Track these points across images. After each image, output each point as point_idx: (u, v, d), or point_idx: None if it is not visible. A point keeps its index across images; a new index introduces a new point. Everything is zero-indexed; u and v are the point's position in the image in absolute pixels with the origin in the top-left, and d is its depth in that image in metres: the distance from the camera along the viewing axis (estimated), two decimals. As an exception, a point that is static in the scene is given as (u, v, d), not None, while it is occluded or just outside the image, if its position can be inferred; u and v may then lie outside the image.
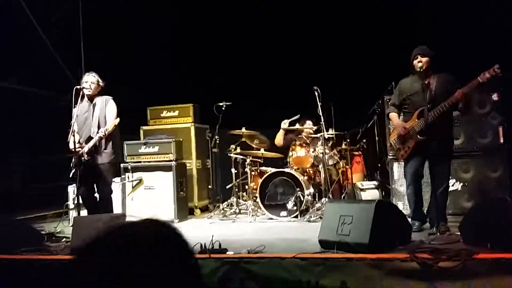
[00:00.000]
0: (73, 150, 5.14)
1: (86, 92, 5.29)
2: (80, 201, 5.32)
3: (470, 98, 4.63)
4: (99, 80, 5.42)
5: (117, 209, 6.20)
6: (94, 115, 5.33)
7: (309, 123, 7.15)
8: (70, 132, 5.15)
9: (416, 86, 4.86)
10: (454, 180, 5.63)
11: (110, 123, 5.18)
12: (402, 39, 6.84)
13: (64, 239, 5.24)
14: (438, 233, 4.39)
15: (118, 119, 5.23)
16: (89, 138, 5.26)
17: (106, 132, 5.13)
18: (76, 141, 5.15)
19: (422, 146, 4.74)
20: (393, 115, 5.10)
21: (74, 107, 5.24)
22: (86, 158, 5.19)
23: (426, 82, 4.71)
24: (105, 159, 5.35)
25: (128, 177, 6.70)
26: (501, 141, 5.53)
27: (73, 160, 5.20)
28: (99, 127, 5.28)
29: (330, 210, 4.37)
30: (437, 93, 4.65)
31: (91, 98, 5.40)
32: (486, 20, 6.61)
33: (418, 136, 4.72)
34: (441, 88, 4.67)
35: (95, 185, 5.40)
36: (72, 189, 6.45)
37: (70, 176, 5.24)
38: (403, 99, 5.00)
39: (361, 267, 3.57)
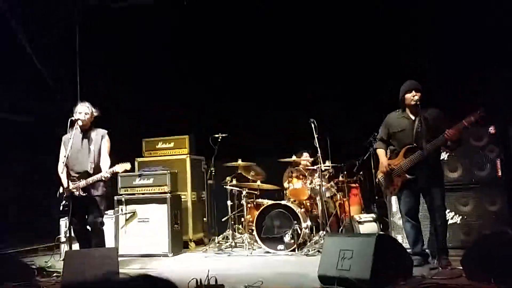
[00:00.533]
0: (66, 184, 5.08)
1: (79, 123, 5.24)
2: (72, 233, 5.19)
3: (457, 138, 4.59)
4: (93, 110, 5.39)
5: (110, 242, 6.08)
6: (90, 148, 5.30)
7: (306, 155, 7.13)
8: (64, 164, 5.06)
9: (403, 122, 4.87)
10: (453, 213, 5.58)
11: (121, 167, 5.19)
12: (399, 69, 6.90)
13: (55, 274, 5.09)
14: (440, 268, 4.31)
15: (129, 164, 5.26)
16: (85, 173, 5.20)
17: (111, 174, 5.15)
18: (65, 170, 5.08)
19: (410, 183, 4.74)
20: (381, 152, 5.06)
21: (69, 139, 5.17)
22: (81, 194, 5.13)
23: (415, 118, 4.72)
24: (97, 191, 5.28)
25: (121, 210, 6.58)
26: (499, 174, 5.49)
27: (64, 193, 5.13)
28: (94, 161, 5.26)
29: (329, 244, 4.27)
30: (428, 129, 4.62)
31: (84, 129, 5.36)
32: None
33: (407, 175, 4.70)
34: (433, 124, 4.67)
35: (86, 217, 5.30)
36: (64, 222, 6.33)
37: (61, 209, 5.14)
38: (390, 134, 4.99)
39: (363, 303, 3.46)
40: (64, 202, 5.09)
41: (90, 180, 5.15)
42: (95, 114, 5.40)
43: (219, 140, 7.05)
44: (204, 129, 7.52)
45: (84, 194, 5.16)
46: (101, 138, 5.40)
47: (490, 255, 3.84)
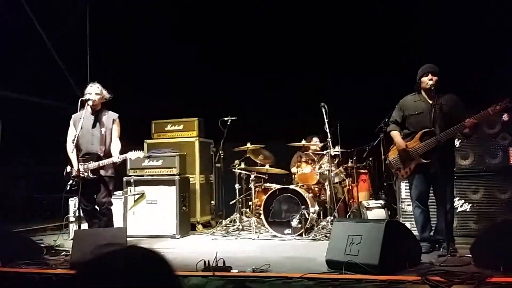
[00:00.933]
0: (76, 165, 5.10)
1: (90, 103, 5.24)
2: (81, 213, 5.23)
3: (475, 127, 4.55)
4: (103, 91, 5.37)
5: (118, 223, 6.11)
6: (101, 131, 5.30)
7: (315, 140, 7.10)
8: (73, 143, 5.06)
9: (420, 105, 4.79)
10: (462, 201, 5.55)
11: (134, 154, 5.25)
12: (410, 56, 6.81)
13: (64, 252, 5.14)
14: (448, 255, 4.28)
15: (142, 153, 5.33)
16: (95, 155, 5.22)
17: (122, 160, 5.20)
18: (74, 150, 5.08)
19: (424, 167, 4.68)
20: (396, 133, 4.97)
21: (80, 118, 5.16)
22: (90, 176, 5.15)
23: (432, 103, 4.64)
24: (107, 172, 5.30)
25: (130, 191, 6.61)
26: (511, 162, 5.43)
27: (72, 173, 5.14)
28: (104, 144, 5.28)
29: (337, 229, 4.25)
30: (443, 116, 4.57)
31: (94, 110, 5.36)
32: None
33: (422, 159, 4.64)
34: (450, 111, 4.60)
35: (95, 197, 5.33)
36: (73, 202, 6.36)
37: (68, 188, 5.15)
38: (405, 117, 4.92)
39: (370, 289, 3.45)
40: (71, 181, 5.10)
41: (101, 163, 5.17)
42: (106, 95, 5.39)
43: (228, 123, 7.02)
44: (214, 112, 7.49)
45: (94, 177, 5.18)
46: (112, 121, 5.40)
47: (500, 243, 3.80)
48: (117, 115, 5.49)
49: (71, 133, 5.27)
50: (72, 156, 5.18)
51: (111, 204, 5.41)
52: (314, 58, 8.05)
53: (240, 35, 8.30)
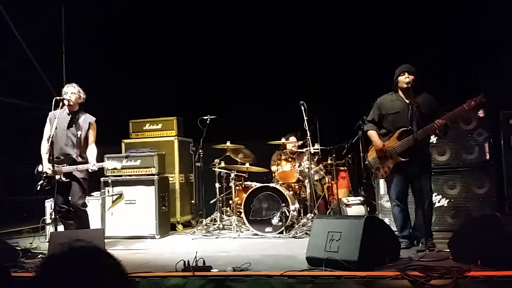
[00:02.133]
0: (47, 166, 5.02)
1: (66, 102, 5.15)
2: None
3: (446, 127, 4.61)
4: (80, 91, 5.28)
5: (96, 224, 6.03)
6: (77, 134, 5.21)
7: (292, 139, 7.09)
8: (47, 144, 4.97)
9: (397, 104, 4.83)
10: (440, 196, 5.62)
11: (110, 164, 5.24)
12: (389, 55, 6.89)
13: (40, 255, 5.04)
14: (427, 250, 4.32)
15: (119, 164, 5.31)
16: (69, 158, 5.14)
17: (96, 169, 5.12)
18: (47, 149, 5.02)
19: (402, 166, 4.72)
20: (373, 133, 4.99)
21: (54, 119, 5.06)
22: (63, 179, 5.05)
23: (409, 102, 4.68)
24: (80, 174, 5.20)
25: (108, 191, 6.51)
26: (487, 157, 5.53)
27: (42, 172, 5.05)
28: (79, 147, 5.21)
29: (317, 226, 4.25)
30: (420, 115, 4.61)
31: (71, 111, 5.26)
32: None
33: (400, 157, 4.68)
34: (426, 111, 4.65)
35: (69, 198, 5.24)
36: (49, 204, 6.24)
37: (38, 188, 5.05)
38: (382, 116, 4.94)
39: (350, 285, 3.45)
40: (42, 181, 5.02)
41: (80, 167, 5.10)
42: (82, 96, 5.30)
43: (207, 122, 6.97)
44: (193, 110, 7.43)
45: (66, 180, 5.09)
46: (88, 125, 5.30)
47: (477, 237, 3.86)
48: (94, 119, 5.38)
49: (47, 132, 5.18)
50: (44, 156, 5.10)
51: (86, 205, 5.32)
52: (293, 55, 8.05)
53: (220, 32, 8.25)
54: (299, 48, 8.00)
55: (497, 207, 5.40)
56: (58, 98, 5.14)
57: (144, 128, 7.55)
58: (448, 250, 4.15)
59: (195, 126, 7.05)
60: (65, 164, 5.09)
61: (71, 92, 5.22)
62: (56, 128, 5.04)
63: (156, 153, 6.62)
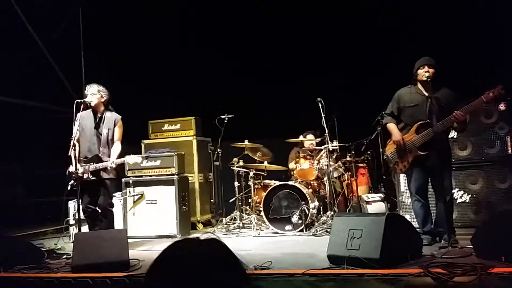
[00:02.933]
0: (74, 167, 5.10)
1: (88, 104, 5.28)
2: (82, 215, 5.22)
3: (464, 120, 4.53)
4: (101, 90, 5.37)
5: (118, 224, 6.10)
6: (103, 132, 5.32)
7: (310, 137, 7.07)
8: (71, 146, 5.09)
9: (416, 97, 4.77)
10: (462, 192, 5.54)
11: (131, 158, 5.26)
12: (406, 51, 6.81)
13: (65, 256, 5.12)
14: (450, 247, 4.28)
15: (140, 158, 5.33)
16: (95, 156, 5.25)
17: (119, 164, 5.19)
18: (76, 150, 5.15)
19: (421, 160, 4.67)
20: (392, 126, 4.94)
21: (75, 121, 5.16)
22: (90, 178, 5.16)
23: (428, 95, 4.63)
24: (108, 174, 5.30)
25: (129, 192, 6.59)
26: (509, 151, 5.43)
27: (73, 173, 5.13)
28: (107, 145, 5.31)
29: (338, 224, 4.24)
30: (439, 108, 4.55)
31: (96, 110, 5.37)
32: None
33: (419, 151, 4.64)
34: (445, 104, 4.59)
35: (96, 198, 5.33)
36: (73, 205, 6.34)
37: (69, 189, 5.16)
38: (400, 109, 4.90)
39: (373, 283, 3.45)
40: (72, 182, 5.11)
41: (100, 165, 5.17)
42: (104, 95, 5.38)
43: (225, 121, 7.01)
44: (211, 110, 7.47)
45: (93, 178, 5.19)
46: (114, 123, 5.39)
47: (501, 233, 3.80)
48: (120, 117, 5.48)
49: (75, 132, 5.26)
50: (73, 156, 5.20)
51: (112, 206, 5.43)
52: (311, 54, 8.03)
53: (236, 34, 8.27)
54: (317, 45, 7.97)
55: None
56: (79, 100, 5.22)
57: (163, 128, 7.63)
58: (471, 246, 4.10)
59: (213, 126, 7.10)
60: (92, 163, 5.20)
61: (91, 93, 5.32)
62: (83, 129, 5.20)
63: (175, 153, 6.68)
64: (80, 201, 5.16)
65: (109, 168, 5.21)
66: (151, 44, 8.53)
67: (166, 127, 7.62)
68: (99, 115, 5.39)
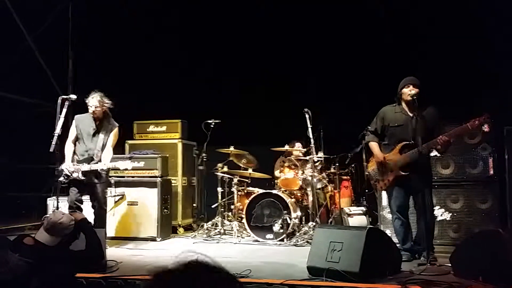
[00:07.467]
0: (67, 164, 5.22)
1: (92, 114, 5.41)
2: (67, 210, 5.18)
3: (448, 145, 4.59)
4: (102, 100, 5.43)
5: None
6: (100, 137, 5.41)
7: (298, 145, 7.09)
8: (72, 145, 5.37)
9: (400, 117, 4.80)
10: (442, 210, 5.58)
11: (122, 164, 5.24)
12: (392, 65, 6.89)
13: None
14: (428, 264, 4.30)
15: (130, 164, 5.33)
16: (90, 158, 5.33)
17: (106, 168, 5.27)
18: (72, 150, 5.35)
19: (402, 180, 4.71)
20: (374, 144, 4.96)
21: (59, 117, 5.12)
22: (80, 177, 5.19)
23: (413, 115, 4.66)
24: (99, 179, 5.38)
25: (110, 192, 6.50)
26: (491, 172, 5.50)
27: (63, 170, 5.16)
28: (101, 151, 5.42)
29: (319, 236, 4.25)
30: (424, 128, 4.59)
31: (96, 117, 5.46)
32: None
33: (401, 171, 4.66)
34: (429, 123, 4.64)
35: (91, 203, 5.45)
36: (51, 202, 6.24)
37: (59, 180, 5.17)
38: (384, 127, 4.92)
39: (351, 296, 3.45)
40: (62, 178, 5.15)
41: (92, 167, 5.21)
42: (105, 105, 5.46)
43: (211, 126, 6.97)
44: (198, 114, 7.43)
45: (83, 178, 5.22)
46: (110, 130, 5.50)
47: (480, 253, 3.84)
48: (117, 125, 5.59)
49: (72, 133, 5.46)
50: (67, 154, 5.33)
51: (106, 212, 5.59)
52: (299, 64, 8.06)
53: (226, 39, 8.27)
54: (306, 56, 8.00)
55: (499, 223, 5.37)
56: (64, 97, 5.19)
57: (148, 129, 7.58)
58: (450, 265, 4.13)
59: (199, 130, 7.05)
60: (84, 163, 5.27)
61: (94, 106, 5.38)
62: (80, 133, 5.38)
63: (159, 155, 6.63)
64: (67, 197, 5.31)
65: (99, 171, 5.27)
66: (140, 43, 8.46)
67: (151, 128, 7.57)
68: (98, 122, 5.47)
